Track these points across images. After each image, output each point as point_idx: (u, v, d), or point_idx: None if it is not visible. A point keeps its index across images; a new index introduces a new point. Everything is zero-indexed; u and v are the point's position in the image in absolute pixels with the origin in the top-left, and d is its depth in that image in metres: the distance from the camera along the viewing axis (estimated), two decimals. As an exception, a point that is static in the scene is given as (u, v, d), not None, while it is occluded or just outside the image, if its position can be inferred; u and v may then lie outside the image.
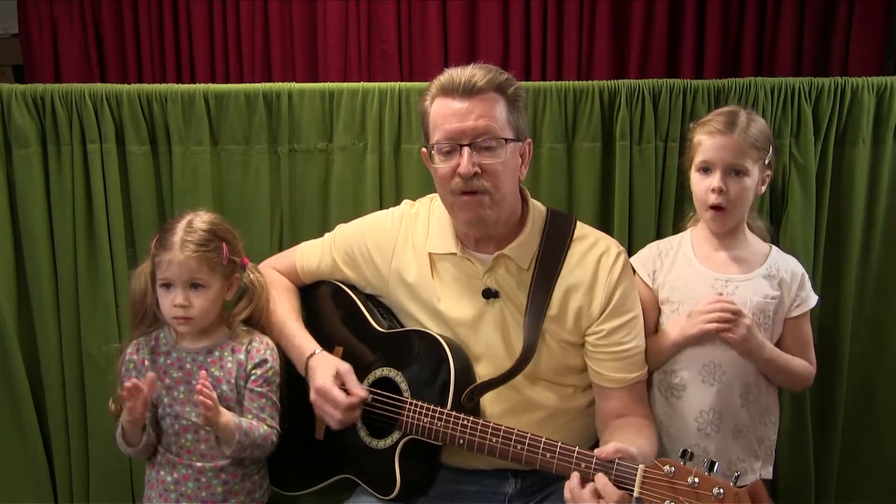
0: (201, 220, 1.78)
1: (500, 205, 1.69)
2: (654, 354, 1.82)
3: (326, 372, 1.75)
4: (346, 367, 1.76)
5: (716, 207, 1.80)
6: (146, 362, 1.79)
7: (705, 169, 1.81)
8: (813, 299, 1.87)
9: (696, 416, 1.81)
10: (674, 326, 1.83)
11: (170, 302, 1.73)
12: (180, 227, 1.75)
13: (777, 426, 1.89)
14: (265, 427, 1.77)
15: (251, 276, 1.85)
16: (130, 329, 1.87)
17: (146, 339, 1.82)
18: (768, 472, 1.86)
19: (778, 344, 1.85)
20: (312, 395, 1.76)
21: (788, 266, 1.86)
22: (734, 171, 1.78)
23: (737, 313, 1.76)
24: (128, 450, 1.77)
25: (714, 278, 1.83)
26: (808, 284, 1.87)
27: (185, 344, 1.80)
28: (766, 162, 1.82)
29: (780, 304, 1.83)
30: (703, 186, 1.81)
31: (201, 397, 1.64)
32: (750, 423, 1.83)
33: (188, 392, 1.76)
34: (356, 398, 1.72)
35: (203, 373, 1.71)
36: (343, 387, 1.73)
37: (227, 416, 1.71)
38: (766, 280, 1.83)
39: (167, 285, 1.74)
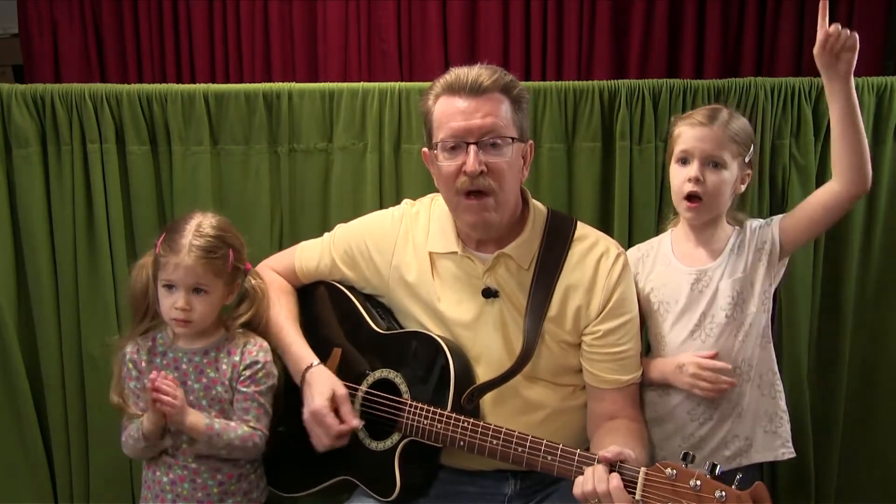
0: (210, 224, 1.75)
1: (503, 206, 1.70)
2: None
3: (322, 393, 1.73)
4: (342, 392, 1.75)
5: (692, 197, 1.78)
6: (144, 363, 1.79)
7: (684, 160, 1.80)
8: (771, 220, 1.84)
9: (688, 410, 1.81)
10: (661, 371, 1.81)
11: (170, 303, 1.73)
12: (189, 231, 1.72)
13: (782, 396, 1.85)
14: (245, 428, 1.75)
15: (253, 282, 1.84)
16: (131, 323, 1.85)
17: (144, 340, 1.81)
18: (789, 451, 1.84)
19: (794, 230, 1.81)
20: (306, 415, 1.75)
21: (749, 228, 1.84)
22: (713, 163, 1.77)
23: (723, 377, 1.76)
24: (139, 448, 1.75)
25: (687, 273, 1.82)
26: (763, 220, 1.85)
27: (181, 344, 1.80)
28: (747, 160, 1.81)
29: (747, 274, 1.80)
30: (680, 177, 1.80)
31: (159, 394, 1.65)
32: (749, 396, 1.80)
33: (184, 393, 1.75)
34: (347, 427, 1.71)
35: (163, 372, 1.70)
36: (337, 411, 1.73)
37: (194, 417, 1.70)
38: (734, 254, 1.81)
39: (170, 286, 1.73)
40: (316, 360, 1.80)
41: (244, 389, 1.77)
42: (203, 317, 1.75)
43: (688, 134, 1.79)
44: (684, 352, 1.80)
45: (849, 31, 1.66)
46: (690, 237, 1.86)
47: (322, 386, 1.75)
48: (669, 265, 1.86)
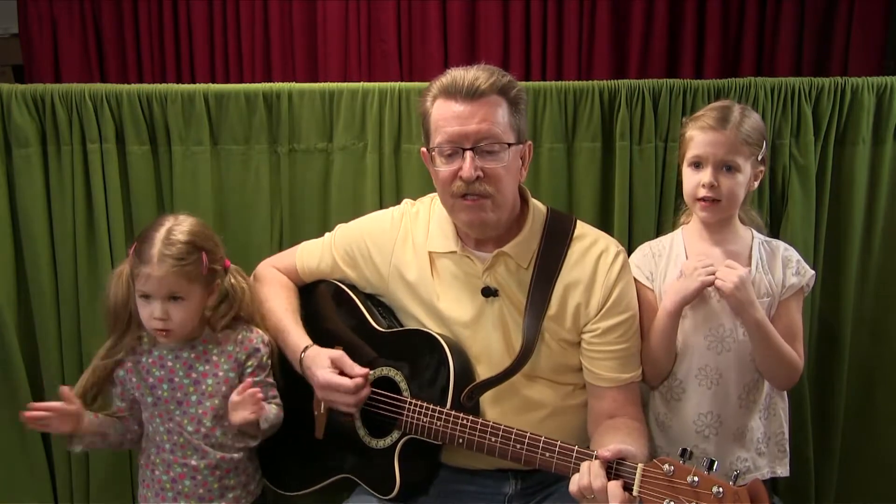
0: (181, 229, 1.72)
1: (501, 207, 1.69)
2: (651, 332, 1.79)
3: (322, 364, 1.76)
4: (337, 353, 1.77)
5: (706, 199, 1.78)
6: (129, 363, 1.79)
7: (696, 164, 1.79)
8: (802, 279, 1.82)
9: (694, 419, 1.80)
10: (667, 292, 1.79)
11: (148, 314, 1.71)
12: (158, 239, 1.69)
13: (786, 419, 1.86)
14: (276, 407, 1.80)
15: (232, 280, 1.81)
16: (109, 336, 1.81)
17: (129, 341, 1.80)
18: (783, 470, 1.85)
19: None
20: (319, 393, 1.77)
21: (776, 252, 1.84)
22: (726, 167, 1.76)
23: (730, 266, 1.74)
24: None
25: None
26: (798, 267, 1.83)
27: (166, 342, 1.78)
28: (760, 158, 1.80)
29: (772, 300, 1.81)
30: (693, 181, 1.79)
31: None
32: (753, 423, 1.81)
33: (171, 390, 1.76)
34: (359, 378, 1.72)
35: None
36: (342, 372, 1.74)
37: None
38: (759, 272, 1.81)
39: (146, 296, 1.71)
40: (310, 343, 1.81)
41: (258, 378, 1.79)
42: (183, 324, 1.73)
43: (700, 138, 1.78)
44: (701, 355, 1.79)
45: (715, 281, 1.73)
46: (705, 236, 1.85)
47: (319, 359, 1.77)
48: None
